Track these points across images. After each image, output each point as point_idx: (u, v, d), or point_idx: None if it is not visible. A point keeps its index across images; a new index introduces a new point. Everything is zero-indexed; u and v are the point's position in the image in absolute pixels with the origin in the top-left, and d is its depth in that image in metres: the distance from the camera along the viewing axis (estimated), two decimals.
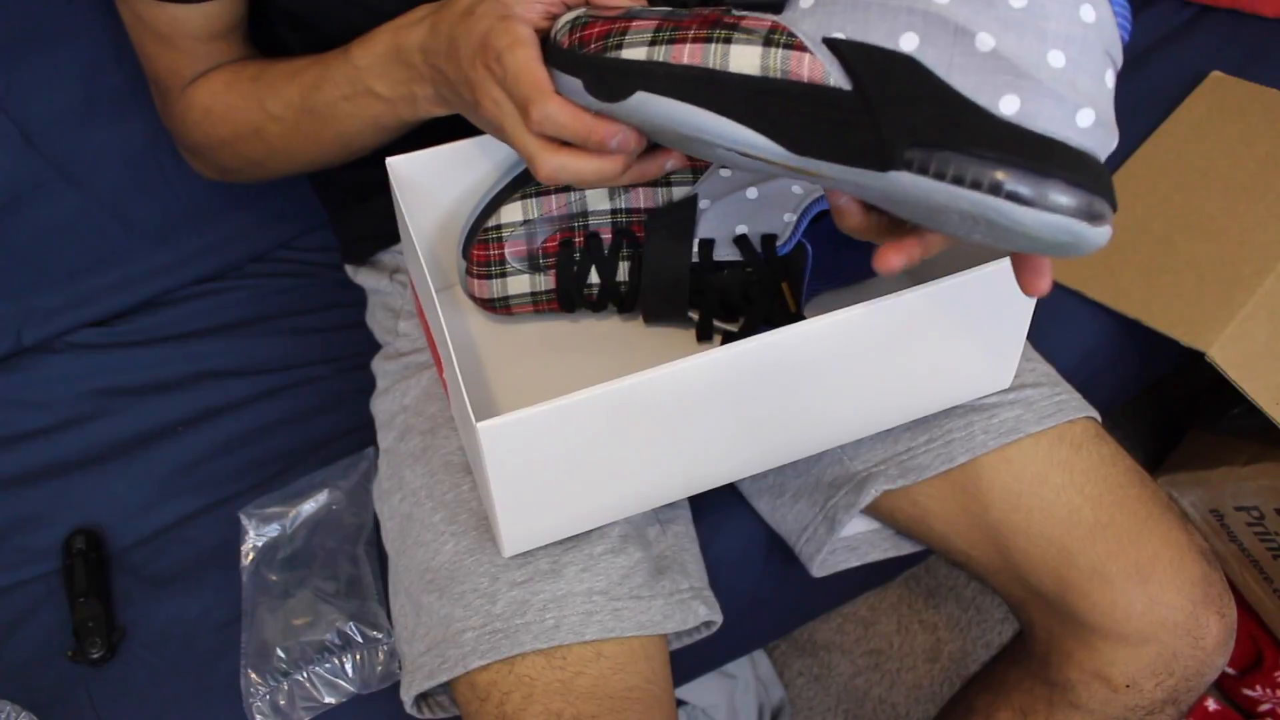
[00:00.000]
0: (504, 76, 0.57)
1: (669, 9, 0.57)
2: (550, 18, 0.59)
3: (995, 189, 0.47)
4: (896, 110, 0.49)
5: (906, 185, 0.50)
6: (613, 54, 0.55)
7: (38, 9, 0.93)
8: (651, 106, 0.54)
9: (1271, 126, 1.09)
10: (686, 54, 0.53)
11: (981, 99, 0.48)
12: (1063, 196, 0.47)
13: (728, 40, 0.53)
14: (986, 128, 0.48)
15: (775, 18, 0.53)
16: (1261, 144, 1.08)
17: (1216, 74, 1.17)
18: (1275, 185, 1.04)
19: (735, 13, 0.54)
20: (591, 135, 0.56)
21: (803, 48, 0.51)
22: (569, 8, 0.60)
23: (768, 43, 0.52)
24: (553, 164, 0.57)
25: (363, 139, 0.73)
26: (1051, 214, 0.47)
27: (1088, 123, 0.49)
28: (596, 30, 0.56)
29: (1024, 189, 0.47)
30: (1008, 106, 0.48)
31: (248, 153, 0.77)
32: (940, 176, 0.49)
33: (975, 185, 0.48)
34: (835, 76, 0.51)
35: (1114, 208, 0.49)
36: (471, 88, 0.60)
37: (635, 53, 0.54)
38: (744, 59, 0.52)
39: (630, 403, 0.61)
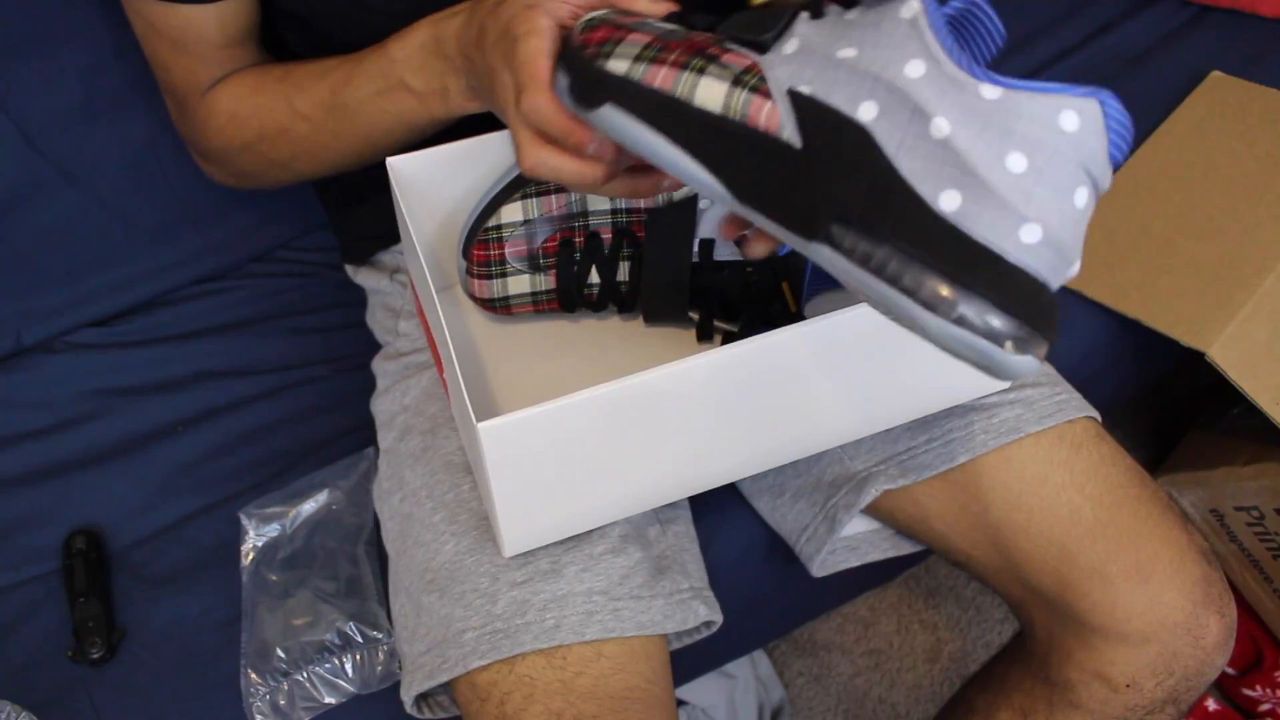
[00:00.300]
0: (512, 61, 0.57)
1: (673, 27, 0.56)
2: (577, 17, 0.59)
3: (909, 290, 0.45)
4: (835, 179, 0.47)
5: (826, 258, 0.48)
6: (599, 62, 0.54)
7: (38, 9, 0.93)
8: (616, 121, 0.53)
9: (1271, 126, 1.09)
10: (660, 77, 0.52)
11: (923, 188, 0.45)
12: (978, 315, 0.44)
13: (701, 71, 0.51)
14: (917, 221, 0.45)
15: (757, 57, 0.51)
16: (1261, 144, 1.08)
17: (1216, 74, 1.17)
18: (1275, 185, 1.04)
19: (726, 45, 0.52)
20: (569, 135, 0.56)
21: (767, 94, 0.49)
22: (594, 8, 0.60)
23: (736, 82, 0.50)
24: (534, 157, 0.58)
25: (390, 138, 0.72)
26: (960, 330, 0.44)
27: (1032, 239, 0.45)
28: (599, 35, 0.56)
29: (936, 297, 0.44)
30: (948, 203, 0.45)
31: (272, 154, 0.77)
32: (861, 261, 0.46)
33: (891, 280, 0.45)
34: (789, 131, 0.49)
35: (1049, 340, 0.45)
36: (490, 72, 0.60)
37: (618, 65, 0.54)
38: (710, 94, 0.51)
39: (630, 403, 0.61)
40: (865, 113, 0.47)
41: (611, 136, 0.55)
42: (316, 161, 0.77)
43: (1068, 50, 1.24)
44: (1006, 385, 0.76)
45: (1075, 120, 0.45)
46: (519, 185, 0.74)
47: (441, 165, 0.72)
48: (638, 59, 0.53)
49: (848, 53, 0.48)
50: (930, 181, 0.45)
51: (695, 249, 0.74)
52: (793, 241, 0.49)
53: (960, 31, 0.49)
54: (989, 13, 0.49)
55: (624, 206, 0.74)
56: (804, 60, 0.49)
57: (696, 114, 0.51)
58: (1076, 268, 0.47)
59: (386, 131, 0.72)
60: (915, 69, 0.47)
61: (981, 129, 0.45)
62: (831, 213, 0.47)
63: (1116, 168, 0.48)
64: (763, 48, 0.51)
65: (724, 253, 0.74)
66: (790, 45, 0.51)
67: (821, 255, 0.48)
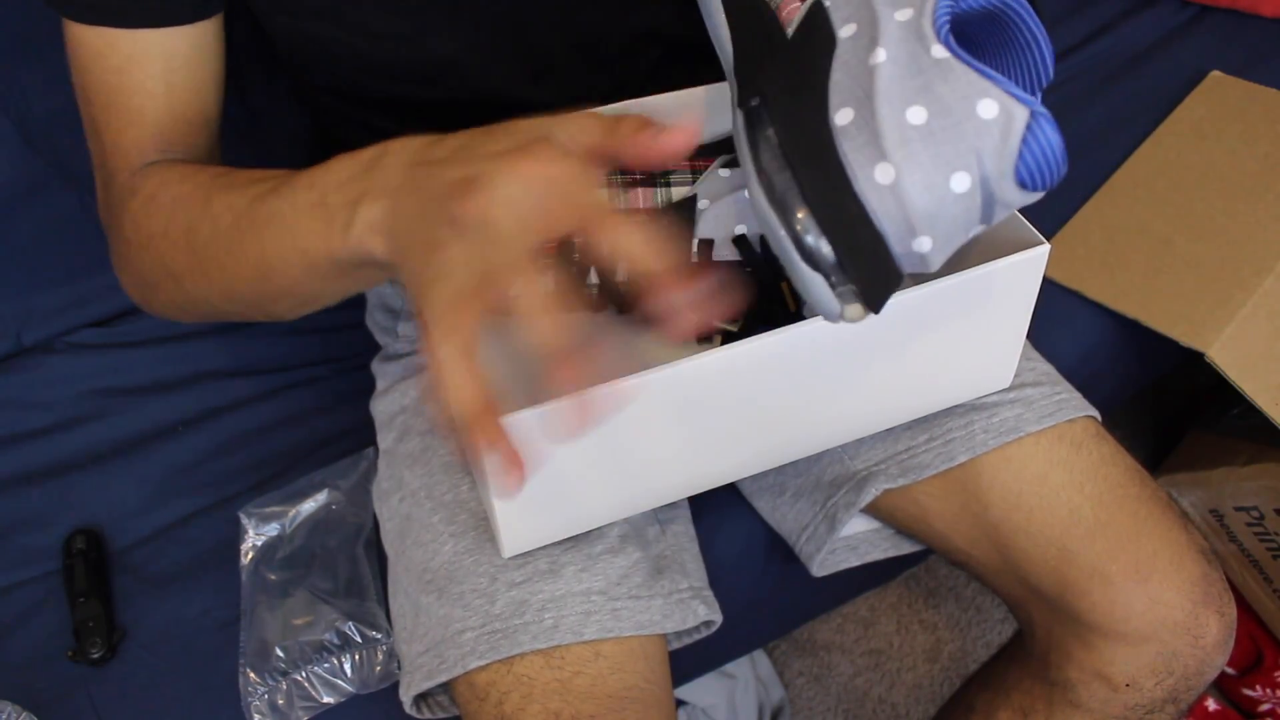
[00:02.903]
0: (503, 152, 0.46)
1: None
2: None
3: (769, 186, 0.47)
4: (784, 65, 0.50)
5: (737, 128, 0.50)
6: None
7: (38, 9, 0.92)
8: None
9: (1271, 126, 1.09)
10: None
11: (832, 98, 0.47)
12: (809, 230, 0.46)
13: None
14: (810, 121, 0.47)
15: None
16: (1261, 144, 1.08)
17: (1216, 74, 1.17)
18: (1275, 185, 1.04)
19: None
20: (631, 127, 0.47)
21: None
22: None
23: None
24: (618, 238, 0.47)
25: (284, 267, 0.57)
26: (792, 243, 0.46)
27: (884, 180, 0.46)
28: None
29: (784, 195, 0.47)
30: (840, 117, 0.47)
31: (168, 259, 0.63)
32: (751, 143, 0.48)
33: (760, 171, 0.48)
34: (793, 27, 0.51)
35: (864, 300, 0.47)
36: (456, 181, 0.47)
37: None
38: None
39: (630, 403, 0.61)
40: (845, 31, 0.49)
41: None
42: (208, 281, 0.62)
43: (1068, 50, 1.24)
44: (1007, 385, 0.76)
45: (994, 111, 0.45)
46: None
47: None
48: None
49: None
50: (839, 95, 0.47)
51: (695, 249, 0.74)
52: (732, 91, 0.52)
53: (1002, 35, 0.49)
54: (1031, 28, 0.49)
55: (623, 207, 0.74)
56: None
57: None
58: (927, 247, 0.47)
59: (281, 258, 0.56)
60: (903, 14, 0.48)
61: (909, 75, 0.46)
62: (760, 88, 0.49)
63: (1026, 188, 0.47)
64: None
65: (723, 253, 0.74)
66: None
67: (736, 124, 0.50)
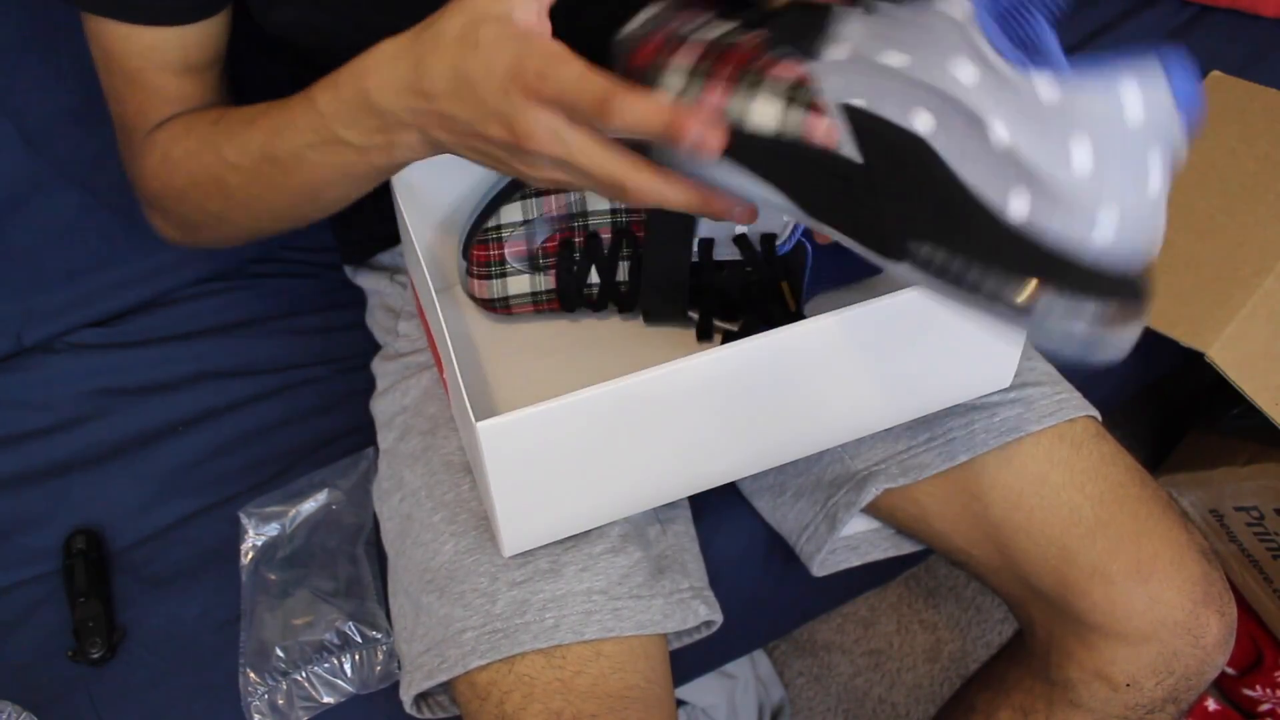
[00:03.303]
0: (561, 94, 0.49)
1: (722, 29, 0.53)
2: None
3: (993, 296, 0.45)
4: (901, 195, 0.46)
5: (910, 276, 0.47)
6: (652, 84, 0.52)
7: (38, 10, 0.93)
8: (672, 154, 0.51)
9: (1271, 126, 1.09)
10: (715, 97, 0.50)
11: (991, 198, 0.44)
12: (1063, 314, 0.44)
13: (753, 89, 0.49)
14: (989, 231, 0.45)
15: (808, 65, 0.49)
16: (1261, 144, 1.08)
17: (1216, 74, 1.17)
18: (1275, 185, 1.04)
19: (775, 51, 0.50)
20: (673, 121, 0.48)
21: (821, 110, 0.48)
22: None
23: (789, 100, 0.48)
24: (647, 186, 0.51)
25: (335, 189, 0.64)
26: (1048, 325, 0.45)
27: (1106, 240, 0.44)
28: (645, 54, 0.53)
29: (1020, 300, 0.44)
30: (1017, 211, 0.44)
31: (206, 204, 0.68)
32: (939, 274, 0.46)
33: (973, 289, 0.45)
34: (848, 147, 0.47)
35: (1138, 314, 0.44)
36: (507, 123, 0.51)
37: (669, 86, 0.51)
38: (763, 116, 0.49)
39: (630, 403, 0.61)
40: (922, 125, 0.46)
41: (668, 164, 0.52)
42: (256, 215, 0.68)
43: (1068, 50, 1.23)
44: (1007, 385, 0.76)
45: (1139, 107, 0.43)
46: (519, 185, 0.74)
47: (441, 165, 0.71)
48: (688, 87, 0.51)
49: (899, 60, 0.47)
50: (996, 190, 0.44)
51: (695, 249, 0.74)
52: (874, 259, 0.49)
53: (1014, 19, 0.48)
54: None
55: (624, 206, 0.74)
56: (855, 69, 0.48)
57: (755, 137, 0.50)
58: (1154, 237, 0.46)
59: (329, 183, 0.63)
60: (968, 74, 0.45)
61: (1042, 132, 0.44)
62: (904, 230, 0.46)
63: (1192, 131, 0.45)
64: (812, 53, 0.49)
65: (724, 253, 0.74)
66: (840, 50, 0.49)
67: (904, 273, 0.48)
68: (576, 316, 0.79)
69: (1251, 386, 0.92)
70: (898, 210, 0.46)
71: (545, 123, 0.50)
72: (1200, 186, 1.06)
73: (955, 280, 0.45)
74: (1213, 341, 0.92)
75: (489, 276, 0.75)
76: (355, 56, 0.57)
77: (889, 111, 0.46)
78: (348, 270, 0.93)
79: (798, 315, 0.74)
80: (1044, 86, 0.44)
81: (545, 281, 0.76)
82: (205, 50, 0.69)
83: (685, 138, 0.48)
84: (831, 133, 0.48)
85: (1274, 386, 0.93)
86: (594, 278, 0.75)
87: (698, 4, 0.57)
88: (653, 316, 0.76)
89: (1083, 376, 0.86)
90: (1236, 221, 1.02)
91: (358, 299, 0.93)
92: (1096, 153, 0.43)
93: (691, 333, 0.77)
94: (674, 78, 0.52)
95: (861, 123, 0.47)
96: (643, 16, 0.56)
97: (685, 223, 0.73)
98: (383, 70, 0.55)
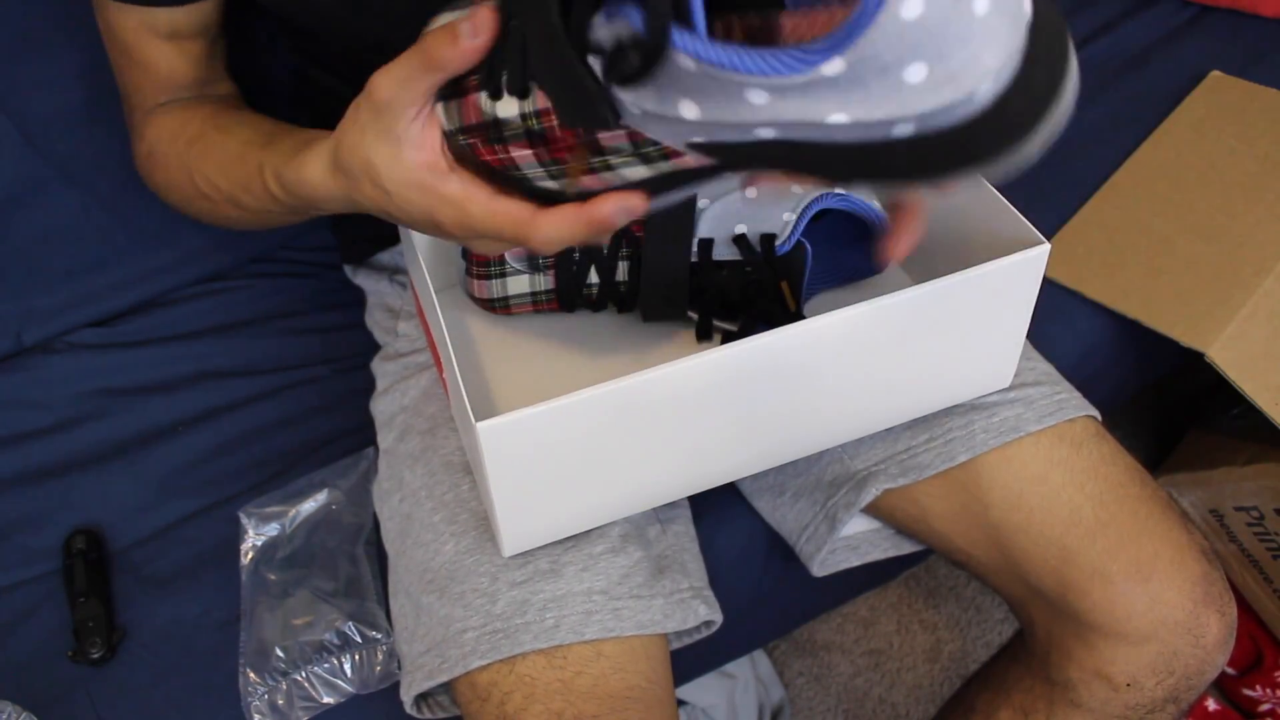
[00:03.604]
0: (484, 231, 0.53)
1: (532, 127, 0.50)
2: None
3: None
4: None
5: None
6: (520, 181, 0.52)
7: (38, 9, 0.93)
8: None
9: (1271, 126, 1.09)
10: (591, 182, 0.50)
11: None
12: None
13: (607, 166, 0.49)
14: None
15: (624, 127, 0.47)
16: (1261, 144, 1.08)
17: (1216, 74, 1.17)
18: (1275, 185, 1.04)
19: (588, 133, 0.48)
20: (592, 218, 0.50)
21: (675, 153, 0.47)
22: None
23: (646, 159, 0.48)
24: (544, 232, 0.52)
25: (289, 222, 0.71)
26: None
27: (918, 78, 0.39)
28: (488, 155, 0.52)
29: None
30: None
31: (185, 206, 0.75)
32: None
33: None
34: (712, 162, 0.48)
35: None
36: (442, 231, 0.54)
37: (538, 176, 0.51)
38: (637, 174, 0.49)
39: (630, 403, 0.61)
40: (764, 133, 0.44)
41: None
42: (229, 225, 0.75)
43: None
44: (1007, 385, 0.76)
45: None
46: None
47: None
48: (554, 179, 0.51)
49: (691, 111, 0.44)
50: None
51: (694, 249, 0.74)
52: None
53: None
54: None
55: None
56: (662, 124, 0.46)
57: (644, 183, 0.50)
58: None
59: (284, 221, 0.70)
60: (757, 96, 0.42)
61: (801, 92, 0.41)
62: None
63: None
64: (604, 122, 0.47)
65: (723, 252, 0.74)
66: (630, 116, 0.46)
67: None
68: (576, 316, 0.79)
69: (1251, 386, 0.92)
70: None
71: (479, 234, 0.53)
72: (1200, 186, 1.06)
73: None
74: (1213, 341, 0.92)
75: (488, 276, 0.75)
76: (335, 76, 0.61)
77: (724, 137, 0.45)
78: (347, 270, 0.93)
79: (797, 315, 0.74)
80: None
81: (544, 281, 0.76)
82: (195, 34, 0.73)
83: (612, 221, 0.50)
84: (700, 160, 0.47)
85: (1274, 386, 0.93)
86: (593, 277, 0.75)
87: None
88: (652, 316, 0.76)
89: (1083, 377, 0.86)
90: (1236, 221, 1.02)
91: (358, 299, 0.93)
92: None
93: (691, 333, 0.77)
94: (535, 173, 0.52)
95: (713, 149, 0.46)
96: (452, 131, 0.53)
97: (685, 222, 0.73)
98: (320, 188, 0.59)
